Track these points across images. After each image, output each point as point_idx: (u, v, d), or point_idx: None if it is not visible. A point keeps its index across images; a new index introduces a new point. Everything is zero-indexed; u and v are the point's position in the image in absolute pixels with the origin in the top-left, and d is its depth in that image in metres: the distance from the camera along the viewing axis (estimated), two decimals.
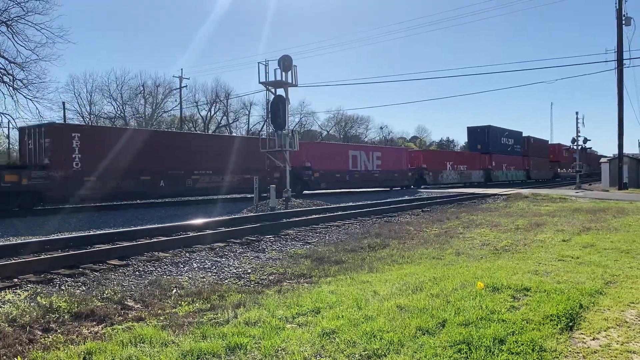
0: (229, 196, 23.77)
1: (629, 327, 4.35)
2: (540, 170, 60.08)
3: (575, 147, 43.76)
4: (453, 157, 46.03)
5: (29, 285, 6.49)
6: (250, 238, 10.56)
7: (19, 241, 9.47)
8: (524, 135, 57.58)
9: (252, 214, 15.47)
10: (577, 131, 41.39)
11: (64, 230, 12.41)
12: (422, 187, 37.71)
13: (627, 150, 37.77)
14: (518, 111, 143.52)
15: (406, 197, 24.58)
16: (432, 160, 40.89)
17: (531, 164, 56.77)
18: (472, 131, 51.04)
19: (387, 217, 15.55)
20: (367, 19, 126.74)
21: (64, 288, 6.39)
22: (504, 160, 50.90)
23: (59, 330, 4.63)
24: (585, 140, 42.34)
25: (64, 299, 5.47)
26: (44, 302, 5.39)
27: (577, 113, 43.50)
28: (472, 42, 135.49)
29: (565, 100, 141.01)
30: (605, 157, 54.13)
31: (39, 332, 4.57)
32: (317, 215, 14.84)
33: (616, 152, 34.45)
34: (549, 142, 67.42)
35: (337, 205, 18.90)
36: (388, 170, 34.62)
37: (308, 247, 9.85)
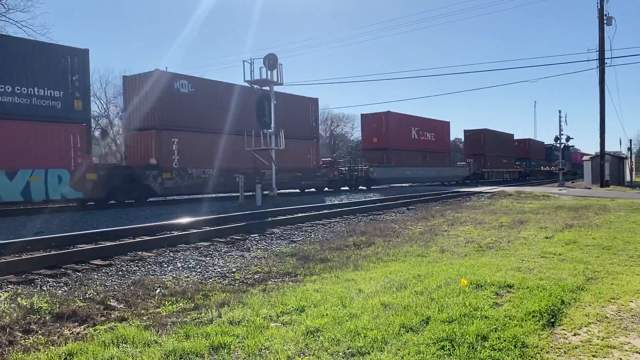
0: (213, 195, 23.67)
1: (609, 322, 4.41)
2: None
3: (558, 145, 44.28)
4: None
5: (9, 286, 6.39)
6: (236, 237, 10.52)
7: (0, 242, 9.31)
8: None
9: (237, 213, 15.40)
10: (560, 129, 41.90)
11: (47, 230, 12.25)
12: None
13: (608, 148, 38.06)
14: (503, 110, 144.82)
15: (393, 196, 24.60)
16: None
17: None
18: None
19: (373, 215, 15.59)
20: (354, 18, 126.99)
21: (45, 289, 6.31)
22: None
23: (39, 332, 4.57)
24: (568, 139, 42.95)
25: (45, 300, 5.40)
26: (25, 303, 5.31)
27: (559, 111, 44.18)
28: (458, 41, 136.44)
29: (549, 99, 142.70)
30: (588, 154, 54.81)
31: (19, 334, 4.50)
32: (303, 214, 14.82)
33: (597, 149, 34.90)
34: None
35: (324, 204, 18.92)
36: None
37: (293, 245, 9.84)
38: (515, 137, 60.91)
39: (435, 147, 42.50)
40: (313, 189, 30.12)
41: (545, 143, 71.47)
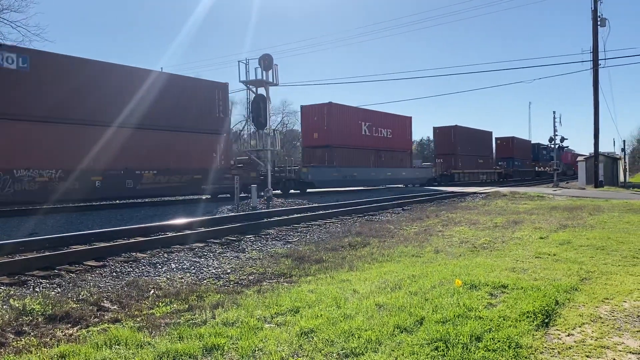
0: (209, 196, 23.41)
1: (602, 322, 4.42)
2: None
3: (548, 144, 44.41)
4: None
5: (1, 287, 6.34)
6: (231, 238, 10.49)
7: None
8: None
9: (232, 214, 15.37)
10: (555, 130, 42.03)
11: (41, 231, 12.19)
12: None
13: (602, 148, 38.00)
14: (498, 111, 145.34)
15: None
16: None
17: None
18: None
19: (369, 216, 15.59)
20: (351, 19, 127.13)
21: (38, 290, 6.27)
22: None
23: (32, 333, 4.54)
24: (563, 139, 43.03)
25: (37, 301, 5.36)
26: (17, 305, 5.27)
27: (554, 112, 44.25)
28: (453, 42, 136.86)
29: (544, 100, 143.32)
30: (580, 155, 54.99)
31: (11, 336, 4.47)
32: (298, 215, 14.81)
33: (591, 150, 35.04)
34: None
35: (319, 205, 18.90)
36: None
37: (289, 246, 9.82)
38: (497, 136, 57.28)
39: (393, 145, 36.02)
40: (226, 194, 23.31)
41: (532, 141, 67.68)
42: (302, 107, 33.03)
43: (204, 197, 22.42)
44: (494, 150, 57.00)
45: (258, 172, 25.65)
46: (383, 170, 34.49)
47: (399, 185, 37.43)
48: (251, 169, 25.52)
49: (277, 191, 27.08)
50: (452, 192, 27.82)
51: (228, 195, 23.12)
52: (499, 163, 56.76)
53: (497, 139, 58.39)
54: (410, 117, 38.88)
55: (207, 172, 22.13)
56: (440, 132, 47.61)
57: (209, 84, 22.98)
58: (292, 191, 27.91)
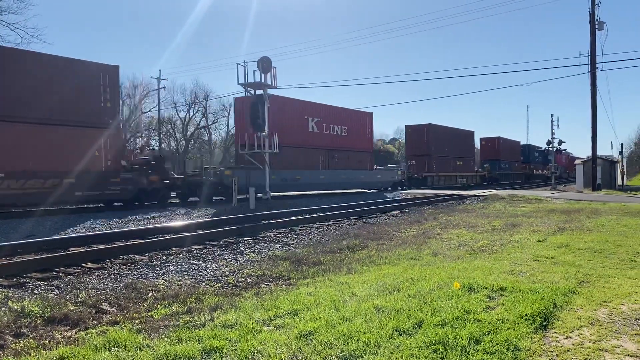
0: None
1: (601, 325, 4.43)
2: None
3: (549, 148, 44.56)
4: None
5: (0, 289, 6.34)
6: (229, 240, 10.50)
7: None
8: None
9: (230, 216, 15.37)
10: (552, 133, 42.18)
11: (39, 233, 12.16)
12: None
13: (600, 151, 37.80)
14: (495, 114, 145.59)
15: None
16: None
17: None
18: None
19: (367, 219, 15.60)
20: (349, 22, 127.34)
21: (36, 292, 6.27)
22: None
23: (30, 336, 4.53)
24: (560, 142, 43.17)
25: (36, 303, 5.36)
26: (16, 307, 5.27)
27: (552, 115, 44.36)
28: (454, 45, 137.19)
29: (542, 103, 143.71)
30: (577, 157, 55.06)
31: (9, 338, 4.47)
32: (296, 217, 14.81)
33: (589, 153, 35.10)
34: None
35: (317, 207, 18.91)
36: None
37: (287, 248, 9.83)
38: (481, 136, 54.16)
39: (349, 144, 31.41)
40: (121, 203, 19.59)
41: (523, 142, 63.65)
42: (235, 99, 28.19)
43: (100, 205, 18.57)
44: (477, 152, 55.10)
45: (161, 175, 21.07)
46: (336, 172, 29.96)
47: (361, 190, 32.96)
48: (153, 170, 20.68)
49: (195, 198, 22.13)
50: (451, 194, 27.86)
51: (121, 204, 19.49)
52: (484, 165, 52.98)
53: (481, 139, 55.28)
54: (372, 114, 34.01)
55: (85, 175, 17.32)
56: (412, 131, 42.99)
57: (90, 66, 17.88)
58: (215, 198, 23.00)
